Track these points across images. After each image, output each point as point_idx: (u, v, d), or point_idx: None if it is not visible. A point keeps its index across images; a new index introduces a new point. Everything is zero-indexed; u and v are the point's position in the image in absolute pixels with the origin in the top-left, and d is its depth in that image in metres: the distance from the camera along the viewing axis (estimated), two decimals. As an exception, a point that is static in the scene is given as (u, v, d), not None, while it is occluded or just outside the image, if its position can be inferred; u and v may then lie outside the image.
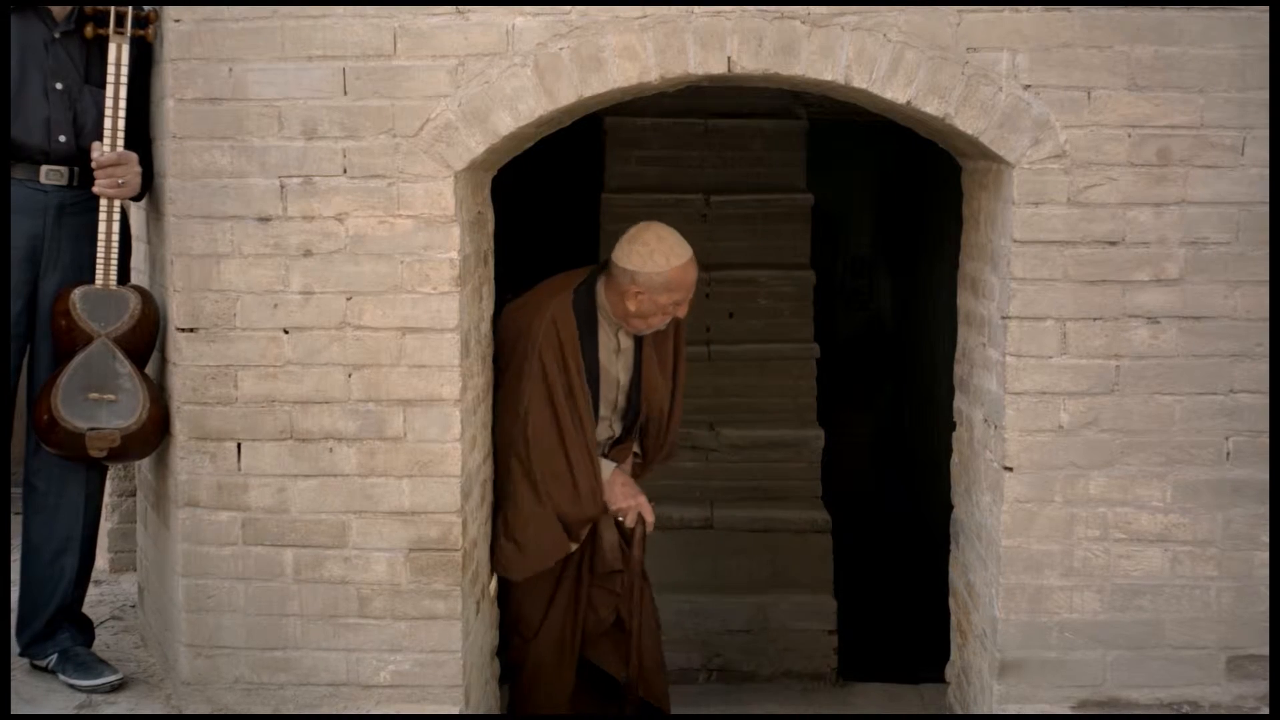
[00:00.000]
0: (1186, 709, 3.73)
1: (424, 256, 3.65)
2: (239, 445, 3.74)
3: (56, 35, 3.78)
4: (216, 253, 3.69)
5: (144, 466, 4.34)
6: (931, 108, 3.60)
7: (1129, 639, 3.73)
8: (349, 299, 3.68)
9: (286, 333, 3.70)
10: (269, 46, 3.62)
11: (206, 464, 3.75)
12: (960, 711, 4.16)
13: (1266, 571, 3.70)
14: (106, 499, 4.60)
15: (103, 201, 3.74)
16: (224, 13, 3.63)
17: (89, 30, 3.73)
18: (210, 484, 3.75)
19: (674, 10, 3.56)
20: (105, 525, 4.83)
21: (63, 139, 3.78)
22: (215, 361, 3.72)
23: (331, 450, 3.72)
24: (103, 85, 3.71)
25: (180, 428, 3.76)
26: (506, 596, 4.36)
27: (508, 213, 4.47)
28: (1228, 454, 3.68)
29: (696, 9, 3.56)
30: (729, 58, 3.58)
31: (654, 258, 4.15)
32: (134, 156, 3.75)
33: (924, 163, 7.65)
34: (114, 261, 3.77)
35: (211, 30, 3.63)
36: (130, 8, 3.71)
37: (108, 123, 3.70)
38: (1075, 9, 3.55)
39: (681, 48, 3.57)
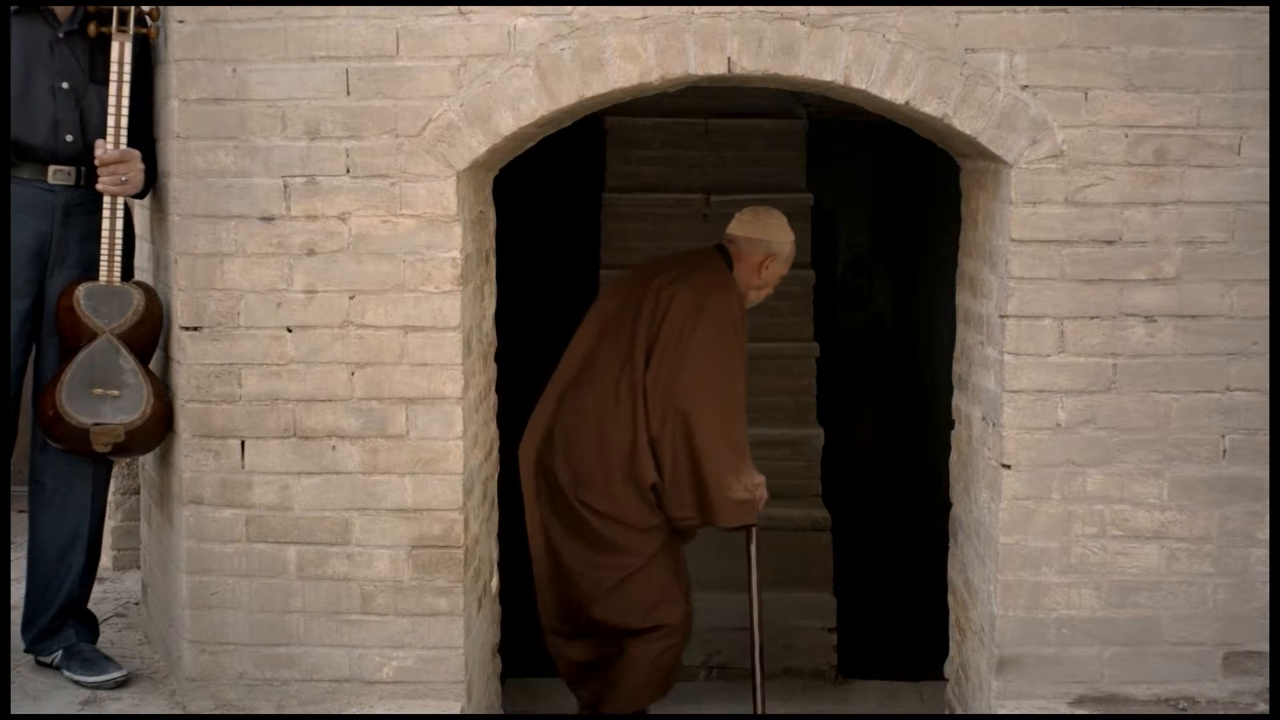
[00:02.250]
0: (1183, 705, 3.74)
1: (426, 255, 3.68)
2: (243, 443, 3.76)
3: (60, 35, 3.80)
4: (220, 252, 3.71)
5: (148, 464, 4.36)
6: (930, 108, 3.62)
7: (1126, 635, 3.75)
8: (352, 298, 3.70)
9: (290, 331, 3.72)
10: (272, 47, 3.64)
11: (210, 461, 3.77)
12: (959, 708, 4.18)
13: (1263, 568, 3.72)
14: (111, 496, 4.62)
15: (106, 198, 3.75)
16: (228, 14, 3.65)
17: (91, 28, 3.75)
18: (214, 481, 3.78)
19: (674, 11, 3.58)
20: (109, 523, 4.84)
21: (70, 138, 3.80)
22: (219, 360, 3.74)
23: (334, 448, 3.74)
24: (107, 83, 3.72)
25: (184, 425, 3.79)
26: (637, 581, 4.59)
27: (509, 212, 4.49)
28: (1224, 451, 3.70)
29: (696, 10, 3.58)
30: (729, 58, 3.60)
31: (782, 229, 4.63)
32: (136, 154, 3.76)
33: (924, 163, 7.65)
34: (118, 258, 3.78)
35: (215, 31, 3.66)
36: (132, 5, 3.73)
37: (110, 120, 3.71)
38: (1073, 10, 3.57)
39: (682, 48, 3.60)
